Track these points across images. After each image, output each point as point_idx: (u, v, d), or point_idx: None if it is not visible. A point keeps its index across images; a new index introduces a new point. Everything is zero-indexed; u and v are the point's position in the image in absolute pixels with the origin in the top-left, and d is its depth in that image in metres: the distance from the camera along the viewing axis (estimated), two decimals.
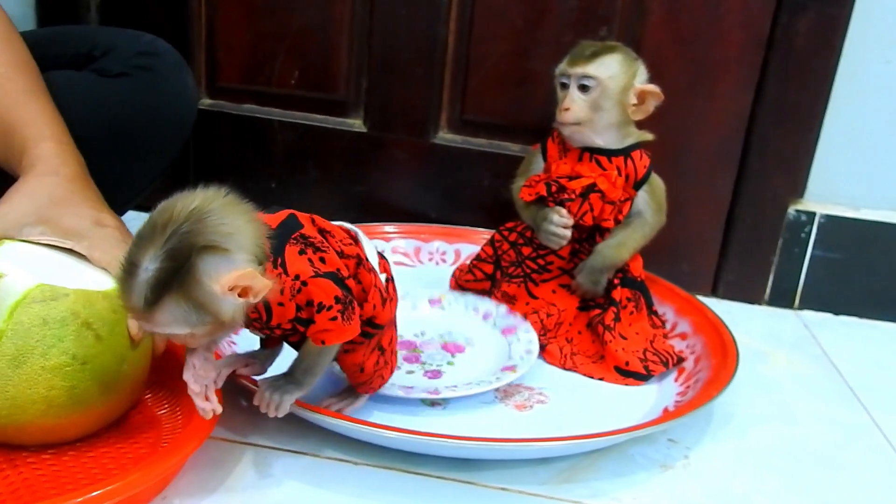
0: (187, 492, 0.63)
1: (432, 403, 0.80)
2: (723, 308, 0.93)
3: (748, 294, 1.13)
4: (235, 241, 0.57)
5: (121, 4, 1.18)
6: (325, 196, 1.19)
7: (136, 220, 0.65)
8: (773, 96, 1.05)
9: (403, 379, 0.82)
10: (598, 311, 0.91)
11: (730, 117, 1.07)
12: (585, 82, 0.87)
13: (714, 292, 1.13)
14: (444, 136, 1.16)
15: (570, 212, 0.90)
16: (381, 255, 0.72)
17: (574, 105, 0.87)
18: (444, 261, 1.12)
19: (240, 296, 0.57)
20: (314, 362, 0.67)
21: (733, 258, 1.12)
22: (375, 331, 0.70)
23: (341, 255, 0.64)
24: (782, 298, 1.12)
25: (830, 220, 1.08)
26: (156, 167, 0.97)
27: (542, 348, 0.90)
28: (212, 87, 1.20)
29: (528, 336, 0.88)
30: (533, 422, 0.79)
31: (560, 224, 0.89)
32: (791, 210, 1.09)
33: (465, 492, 0.67)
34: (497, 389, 0.82)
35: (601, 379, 0.87)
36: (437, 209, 1.17)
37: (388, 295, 0.70)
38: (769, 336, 1.03)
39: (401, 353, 0.87)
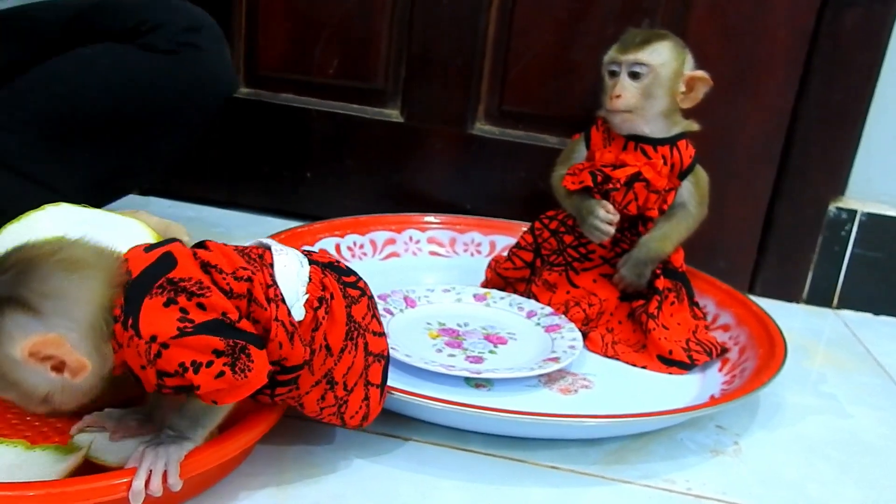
0: (241, 466, 0.63)
1: (476, 385, 0.79)
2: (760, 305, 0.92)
3: (786, 292, 1.12)
4: (54, 306, 0.49)
5: None
6: (361, 186, 1.19)
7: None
8: (816, 93, 1.04)
9: (445, 360, 0.81)
10: (641, 302, 0.90)
11: (772, 113, 1.06)
12: (637, 69, 0.86)
13: (751, 290, 1.12)
14: (482, 128, 1.16)
15: (614, 201, 0.89)
16: (320, 268, 0.60)
17: (625, 92, 0.87)
18: (479, 252, 1.11)
19: (53, 369, 0.50)
20: (204, 413, 0.55)
21: (772, 255, 1.11)
22: (290, 375, 0.57)
23: (230, 294, 0.53)
24: (821, 297, 1.11)
25: (872, 218, 1.07)
26: (185, 142, 0.98)
27: (585, 336, 0.89)
28: (250, 75, 1.20)
29: (572, 334, 0.87)
30: (578, 405, 0.78)
31: (605, 219, 0.88)
32: (832, 208, 1.08)
33: (516, 469, 0.66)
34: (541, 375, 0.81)
35: (644, 367, 0.87)
36: (472, 200, 1.16)
37: (310, 326, 0.58)
38: (809, 333, 1.02)
39: (442, 339, 0.87)
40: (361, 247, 1.05)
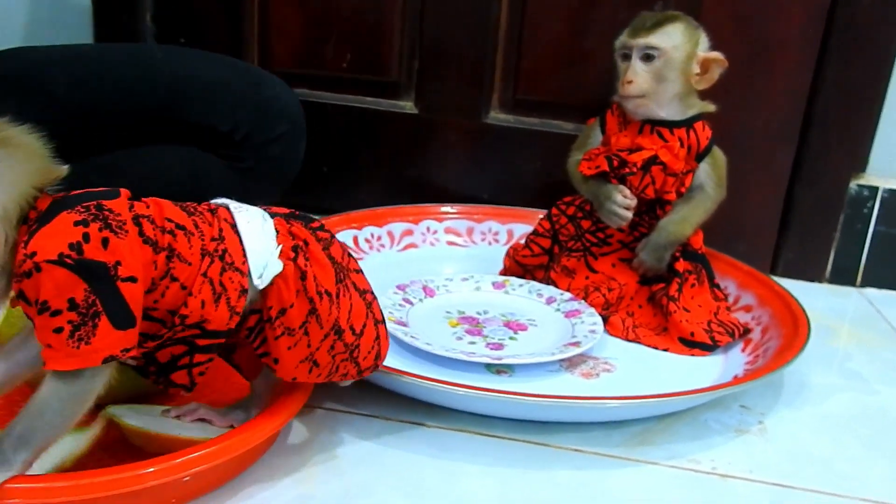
0: (265, 456, 0.63)
1: (497, 371, 0.79)
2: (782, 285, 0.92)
3: (808, 272, 1.11)
4: None
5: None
6: (377, 178, 1.19)
7: None
8: (834, 70, 1.03)
9: (465, 347, 0.82)
10: (661, 285, 0.90)
11: (789, 92, 1.05)
12: (649, 52, 0.86)
13: (773, 270, 1.11)
14: (497, 117, 1.15)
15: (631, 185, 0.89)
16: (283, 219, 0.59)
17: (637, 77, 0.86)
18: (496, 241, 1.11)
19: None
20: (38, 414, 0.48)
21: (793, 235, 1.10)
22: (211, 341, 0.54)
23: (155, 246, 0.50)
24: (844, 276, 1.10)
25: (894, 194, 1.06)
26: None
27: (605, 320, 0.89)
28: None
29: (592, 319, 0.87)
30: (601, 389, 0.77)
31: (623, 205, 0.88)
32: (853, 185, 1.07)
33: (541, 453, 0.66)
34: (562, 360, 0.81)
35: (666, 350, 0.86)
36: (489, 189, 1.16)
37: (233, 288, 0.53)
38: (833, 312, 1.01)
39: (462, 327, 0.87)
40: (379, 238, 1.05)
